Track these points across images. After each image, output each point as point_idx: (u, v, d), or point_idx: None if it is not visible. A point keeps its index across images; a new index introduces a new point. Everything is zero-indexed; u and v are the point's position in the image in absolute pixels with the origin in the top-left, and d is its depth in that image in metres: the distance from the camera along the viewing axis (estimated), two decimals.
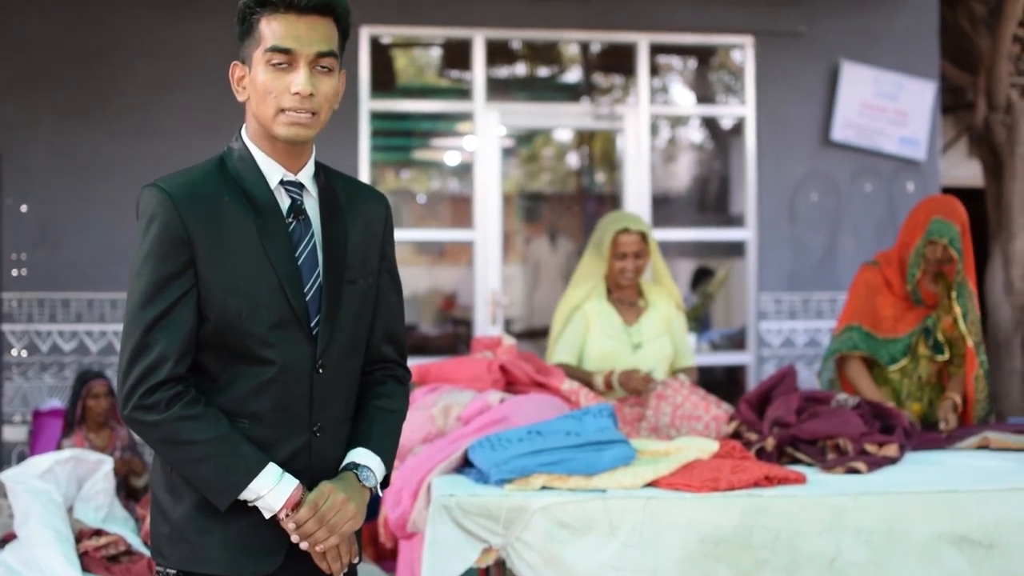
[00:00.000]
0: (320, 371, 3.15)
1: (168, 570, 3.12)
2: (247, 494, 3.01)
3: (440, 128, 13.85)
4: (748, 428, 5.50)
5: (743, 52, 10.30)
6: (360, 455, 3.25)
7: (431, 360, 6.54)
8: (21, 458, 8.95)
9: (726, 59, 12.34)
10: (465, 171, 14.48)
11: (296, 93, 3.06)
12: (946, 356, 6.21)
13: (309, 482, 3.13)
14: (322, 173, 3.29)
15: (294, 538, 3.08)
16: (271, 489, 3.02)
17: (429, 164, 16.50)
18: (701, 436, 5.70)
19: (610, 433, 4.90)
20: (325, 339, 3.15)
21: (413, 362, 6.32)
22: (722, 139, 13.60)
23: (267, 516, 3.06)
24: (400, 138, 14.20)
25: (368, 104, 9.67)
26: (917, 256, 6.17)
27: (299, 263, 3.12)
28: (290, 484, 3.05)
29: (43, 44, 9.41)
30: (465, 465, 4.93)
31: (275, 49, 3.07)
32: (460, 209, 15.13)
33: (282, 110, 3.08)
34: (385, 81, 10.80)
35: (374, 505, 7.40)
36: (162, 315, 2.98)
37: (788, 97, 10.12)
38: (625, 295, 6.66)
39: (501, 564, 4.64)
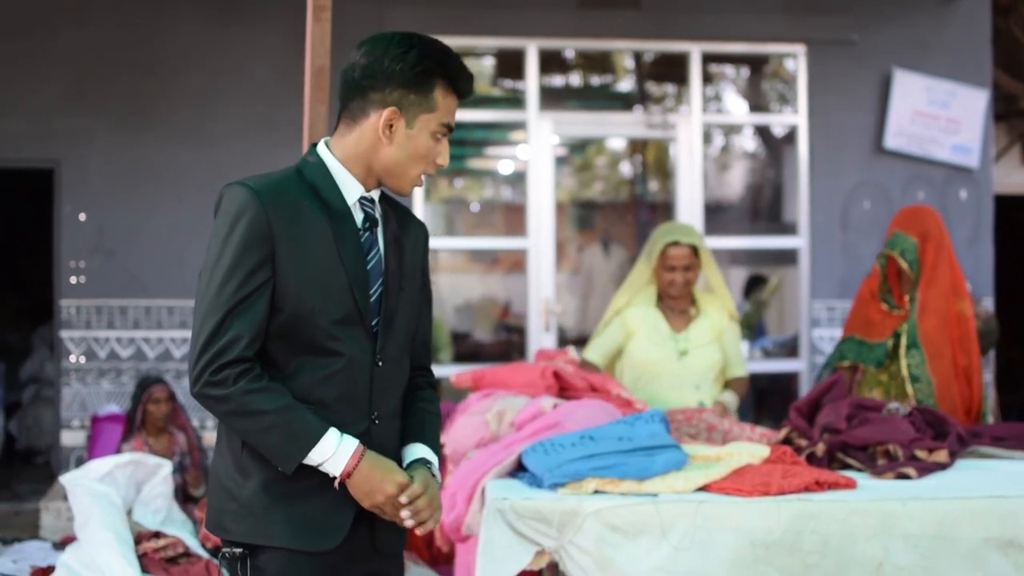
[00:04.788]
0: (379, 364, 3.39)
1: (235, 548, 3.31)
2: (314, 456, 3.22)
3: (493, 137, 13.89)
4: (799, 435, 5.52)
5: (795, 61, 10.32)
6: (427, 452, 3.52)
7: (485, 367, 6.58)
8: (79, 463, 9.05)
9: (778, 68, 12.36)
10: (518, 179, 14.54)
11: (440, 165, 3.43)
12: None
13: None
14: (383, 196, 3.56)
15: (406, 519, 3.32)
16: (334, 451, 3.24)
17: (483, 173, 16.54)
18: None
19: (662, 438, 4.92)
20: (384, 337, 3.40)
21: (468, 369, 6.39)
22: (775, 147, 13.60)
23: (335, 473, 3.25)
24: (454, 147, 14.08)
25: None
26: (881, 268, 6.43)
27: (368, 268, 3.38)
28: (351, 444, 3.27)
29: (99, 56, 9.53)
30: (519, 469, 4.96)
31: (448, 126, 3.40)
32: (513, 217, 15.20)
33: (423, 174, 3.43)
34: None
35: None
36: (240, 302, 3.19)
37: (840, 105, 10.13)
38: (676, 303, 6.68)
39: (554, 567, 4.66)
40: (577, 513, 4.50)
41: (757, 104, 13.17)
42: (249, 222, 3.19)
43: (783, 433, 5.57)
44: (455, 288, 15.91)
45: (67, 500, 6.98)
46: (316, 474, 3.27)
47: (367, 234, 3.40)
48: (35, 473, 11.12)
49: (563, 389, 5.92)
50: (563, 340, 11.11)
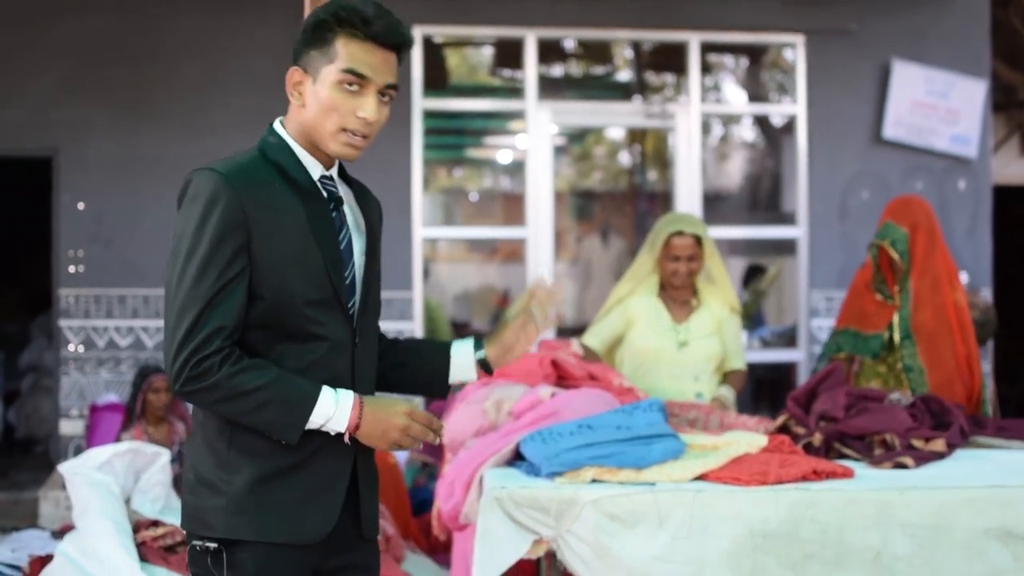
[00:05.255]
0: (357, 345, 3.36)
1: (208, 544, 3.24)
2: (316, 418, 3.18)
3: (492, 126, 13.89)
4: (796, 423, 5.53)
5: (794, 50, 10.33)
6: (466, 340, 3.67)
7: None
8: (78, 451, 9.04)
9: (777, 57, 12.36)
10: (517, 169, 14.53)
11: (362, 118, 3.25)
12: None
13: (356, 449, 3.35)
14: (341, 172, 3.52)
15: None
16: (335, 408, 3.20)
17: (481, 162, 16.54)
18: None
19: (659, 427, 4.93)
20: (359, 318, 3.37)
21: None
22: (774, 137, 13.59)
23: (340, 430, 3.23)
24: (452, 136, 14.26)
25: (421, 103, 9.73)
26: (873, 258, 6.43)
27: (341, 248, 3.33)
28: (348, 397, 3.24)
29: (97, 45, 9.54)
30: (517, 458, 4.97)
31: (352, 72, 3.23)
32: (512, 207, 15.19)
33: (343, 130, 3.27)
34: (437, 80, 10.87)
35: (427, 499, 7.47)
36: (218, 293, 3.11)
37: (839, 95, 10.14)
38: (678, 294, 6.68)
39: (552, 556, 4.67)
40: (575, 502, 4.51)
41: (756, 94, 13.16)
42: (223, 209, 3.12)
43: (781, 420, 5.58)
44: (454, 277, 15.93)
45: (66, 489, 6.97)
46: (307, 464, 3.25)
47: (335, 213, 3.35)
48: (34, 462, 11.15)
49: (561, 378, 5.92)
50: (561, 330, 11.11)
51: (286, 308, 3.19)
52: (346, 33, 3.23)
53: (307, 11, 5.39)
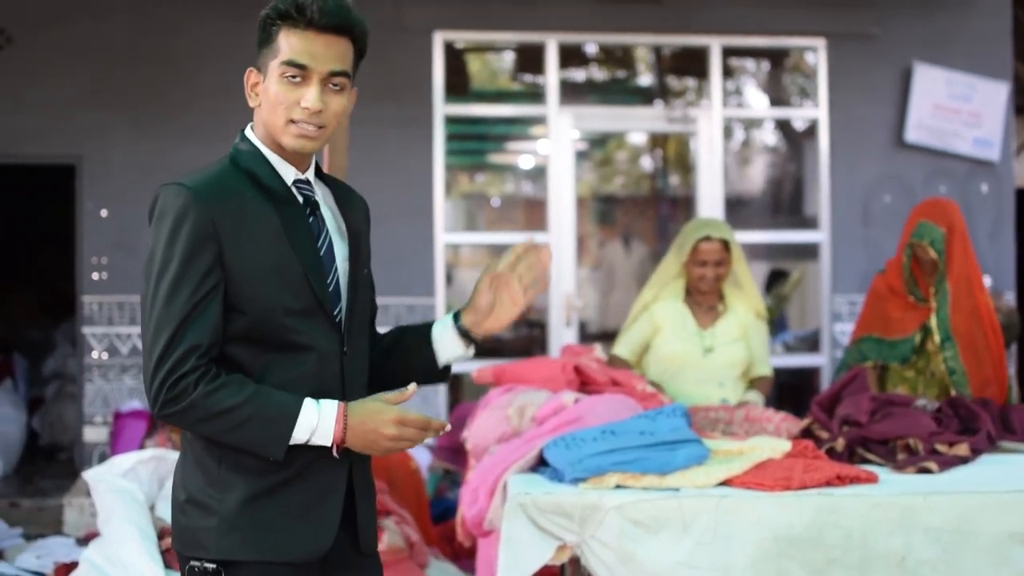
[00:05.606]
0: (346, 352, 3.27)
1: (206, 564, 3.14)
2: (299, 433, 3.08)
3: (514, 132, 13.89)
4: (820, 427, 5.52)
5: (816, 54, 10.32)
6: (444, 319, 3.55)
7: (506, 362, 6.57)
8: (102, 458, 9.06)
9: (799, 61, 12.33)
10: (539, 174, 14.51)
11: (306, 108, 3.18)
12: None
13: (350, 459, 3.24)
14: (320, 175, 3.44)
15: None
16: (318, 420, 3.10)
17: (503, 167, 16.53)
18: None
19: (683, 433, 4.93)
20: (347, 324, 3.28)
21: (489, 364, 6.39)
22: (795, 141, 13.57)
23: (326, 443, 3.12)
24: (474, 142, 14.25)
25: (442, 108, 9.71)
26: (907, 258, 6.34)
27: (321, 254, 3.25)
28: (331, 407, 3.13)
29: (120, 53, 9.55)
30: (540, 464, 4.97)
31: (290, 63, 3.19)
32: (534, 212, 15.17)
33: (291, 121, 3.20)
34: (459, 86, 10.88)
35: (450, 507, 7.47)
36: (192, 310, 3.04)
37: (861, 99, 10.13)
38: (704, 299, 6.66)
39: (576, 562, 4.67)
40: (599, 508, 4.51)
41: (777, 98, 13.14)
42: (192, 224, 3.07)
43: (805, 423, 5.58)
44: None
45: (90, 496, 6.98)
46: (300, 478, 3.16)
47: (312, 218, 3.27)
48: (58, 469, 11.14)
49: (584, 384, 5.92)
50: (584, 335, 11.10)
51: (266, 319, 3.12)
52: (287, 25, 3.21)
53: None
